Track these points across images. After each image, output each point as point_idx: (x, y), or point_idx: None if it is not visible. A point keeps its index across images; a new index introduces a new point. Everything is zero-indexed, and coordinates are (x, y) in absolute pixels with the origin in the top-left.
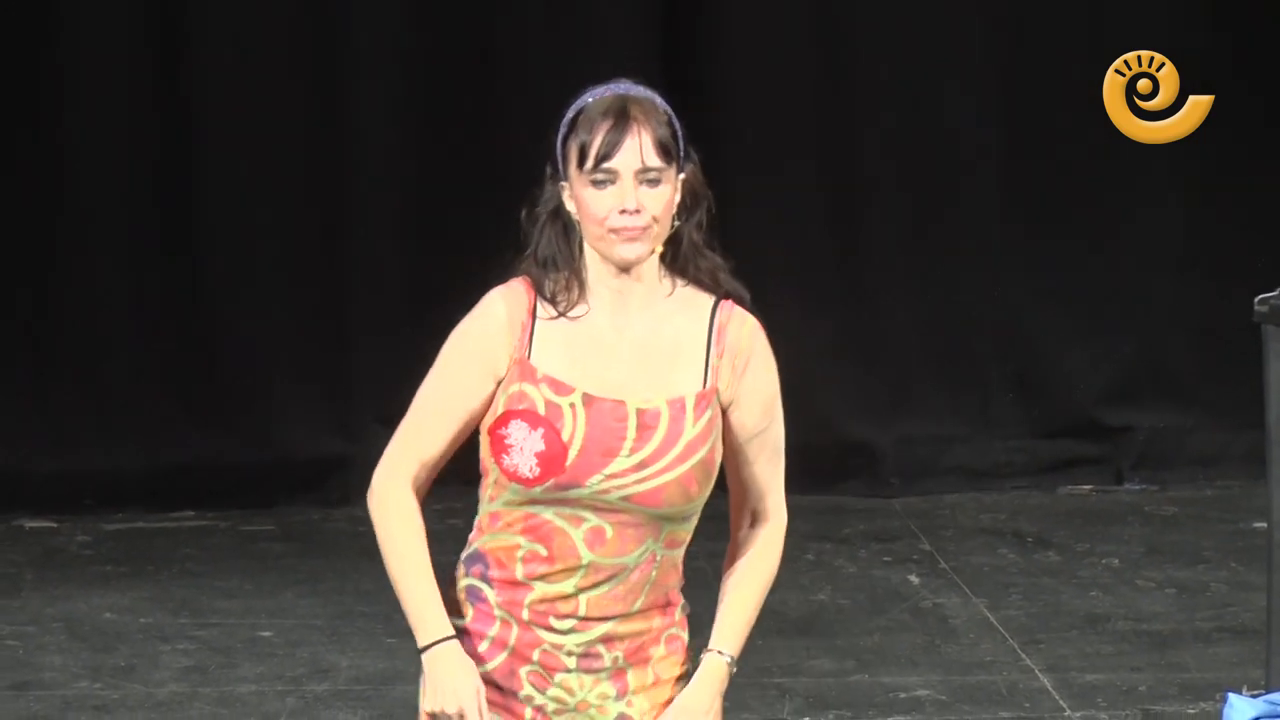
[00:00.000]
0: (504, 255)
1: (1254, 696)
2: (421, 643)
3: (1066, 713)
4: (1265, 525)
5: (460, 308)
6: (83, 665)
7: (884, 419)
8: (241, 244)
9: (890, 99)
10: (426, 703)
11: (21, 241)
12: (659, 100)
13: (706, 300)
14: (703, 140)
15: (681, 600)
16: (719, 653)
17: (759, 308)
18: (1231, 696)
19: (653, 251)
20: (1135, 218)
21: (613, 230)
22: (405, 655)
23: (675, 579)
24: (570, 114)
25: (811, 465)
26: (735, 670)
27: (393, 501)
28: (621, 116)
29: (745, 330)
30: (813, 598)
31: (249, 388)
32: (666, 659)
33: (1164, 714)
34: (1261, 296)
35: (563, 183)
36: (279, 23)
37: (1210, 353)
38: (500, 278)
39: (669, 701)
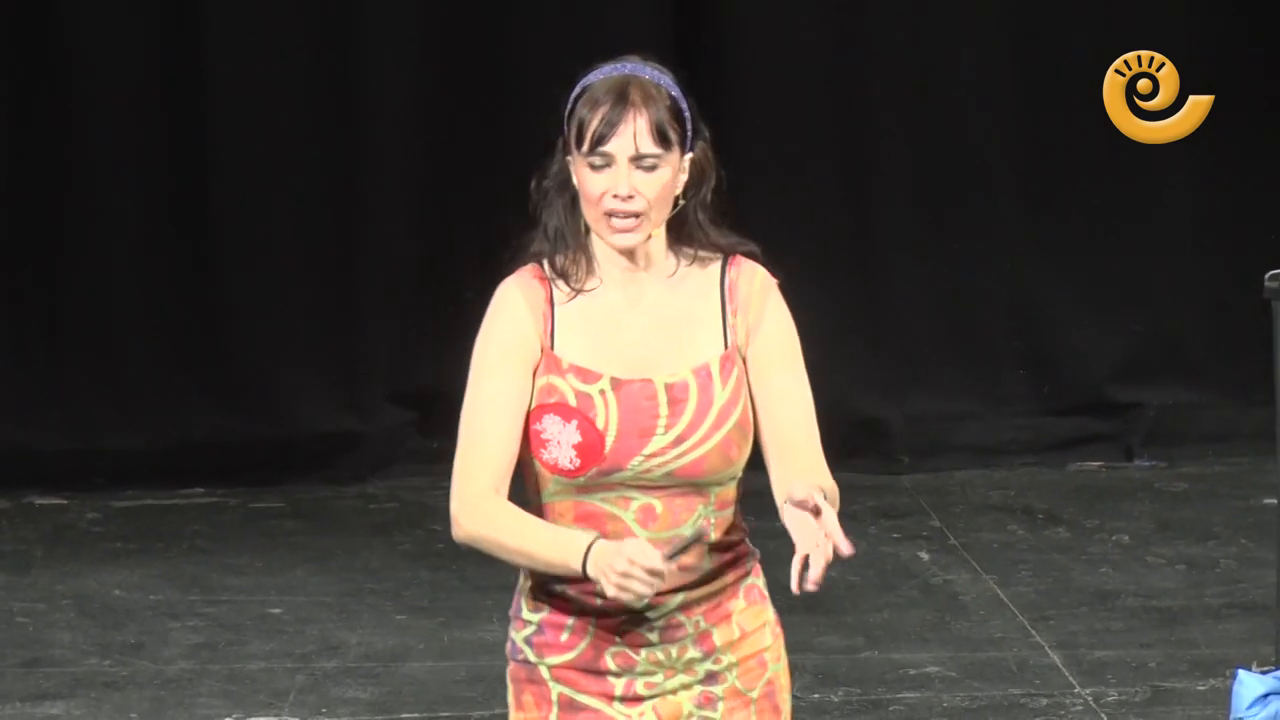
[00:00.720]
0: (516, 226)
1: (1264, 673)
2: (578, 562)
3: (1076, 689)
4: (1275, 501)
5: (468, 284)
6: (92, 642)
7: (894, 395)
8: (252, 222)
9: (903, 78)
10: (608, 586)
11: (32, 221)
12: (665, 80)
13: (716, 262)
14: (715, 118)
15: (750, 548)
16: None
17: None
18: (1241, 673)
19: (649, 237)
20: (1146, 195)
21: (607, 213)
22: (415, 632)
23: (738, 533)
24: (577, 89)
25: (821, 441)
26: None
27: (481, 509)
28: (620, 99)
29: (756, 283)
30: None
31: (259, 365)
32: (748, 610)
33: (1173, 690)
34: (1272, 273)
35: (569, 157)
36: (291, 8)
37: (1220, 329)
38: (513, 251)
39: (757, 654)
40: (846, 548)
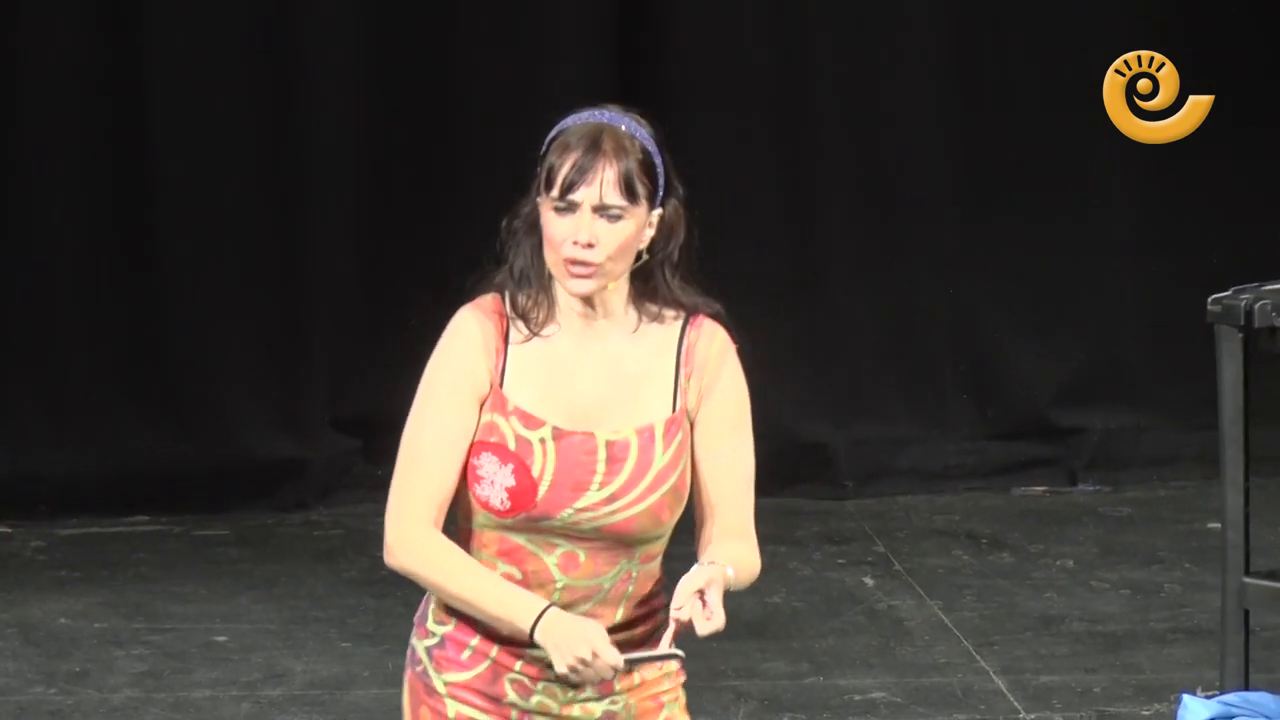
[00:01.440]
0: (482, 262)
1: (1208, 697)
2: (528, 624)
3: (1021, 714)
4: (1219, 526)
5: (413, 310)
6: (37, 671)
7: (837, 420)
8: (196, 247)
9: (844, 98)
10: (560, 662)
11: None
12: (641, 133)
13: (677, 320)
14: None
15: (665, 602)
16: (711, 563)
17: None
18: (1186, 698)
19: (604, 288)
20: (1088, 218)
21: (566, 260)
22: (360, 660)
23: (655, 585)
24: (553, 132)
25: (765, 467)
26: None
27: (420, 543)
28: (592, 147)
29: (715, 347)
30: (767, 600)
31: (203, 392)
32: (650, 665)
33: (1119, 715)
34: (1214, 297)
35: (539, 198)
36: (234, 22)
37: (1163, 354)
38: (476, 286)
39: (654, 695)
40: (701, 628)
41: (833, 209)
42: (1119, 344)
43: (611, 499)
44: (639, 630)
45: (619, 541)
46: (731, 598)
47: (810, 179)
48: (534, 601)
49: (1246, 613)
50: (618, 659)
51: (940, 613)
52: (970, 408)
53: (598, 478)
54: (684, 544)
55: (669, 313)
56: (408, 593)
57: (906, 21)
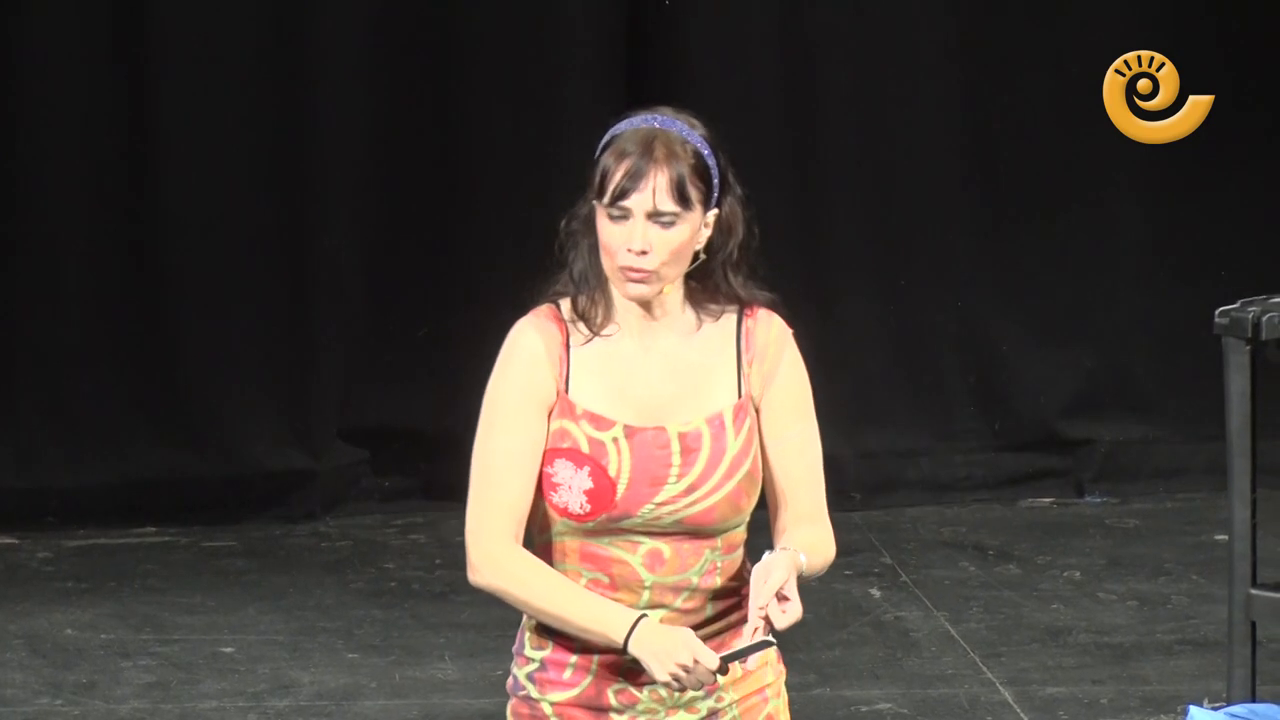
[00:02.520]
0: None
1: (1215, 709)
2: (621, 636)
3: None
4: (1226, 537)
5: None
6: (44, 682)
7: (846, 432)
8: (203, 260)
9: (854, 109)
10: (660, 672)
11: None
12: (694, 136)
13: (732, 313)
14: None
15: (748, 591)
16: (784, 549)
17: None
18: (1193, 709)
19: (660, 291)
20: (1097, 230)
21: (621, 267)
22: (367, 671)
23: (742, 572)
24: (606, 137)
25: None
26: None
27: (505, 560)
28: (645, 153)
29: (773, 332)
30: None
31: (211, 404)
32: None
33: None
34: (1222, 309)
35: (596, 201)
36: (243, 33)
37: (1171, 365)
38: (534, 290)
39: (759, 690)
40: (779, 622)
41: (841, 220)
42: (1127, 356)
43: (690, 489)
44: (733, 617)
45: (700, 532)
46: None
47: (819, 190)
48: (625, 614)
49: (1253, 624)
50: (715, 660)
51: (947, 624)
52: (978, 419)
53: (674, 470)
54: (765, 535)
55: (726, 307)
56: (415, 604)
57: (915, 32)
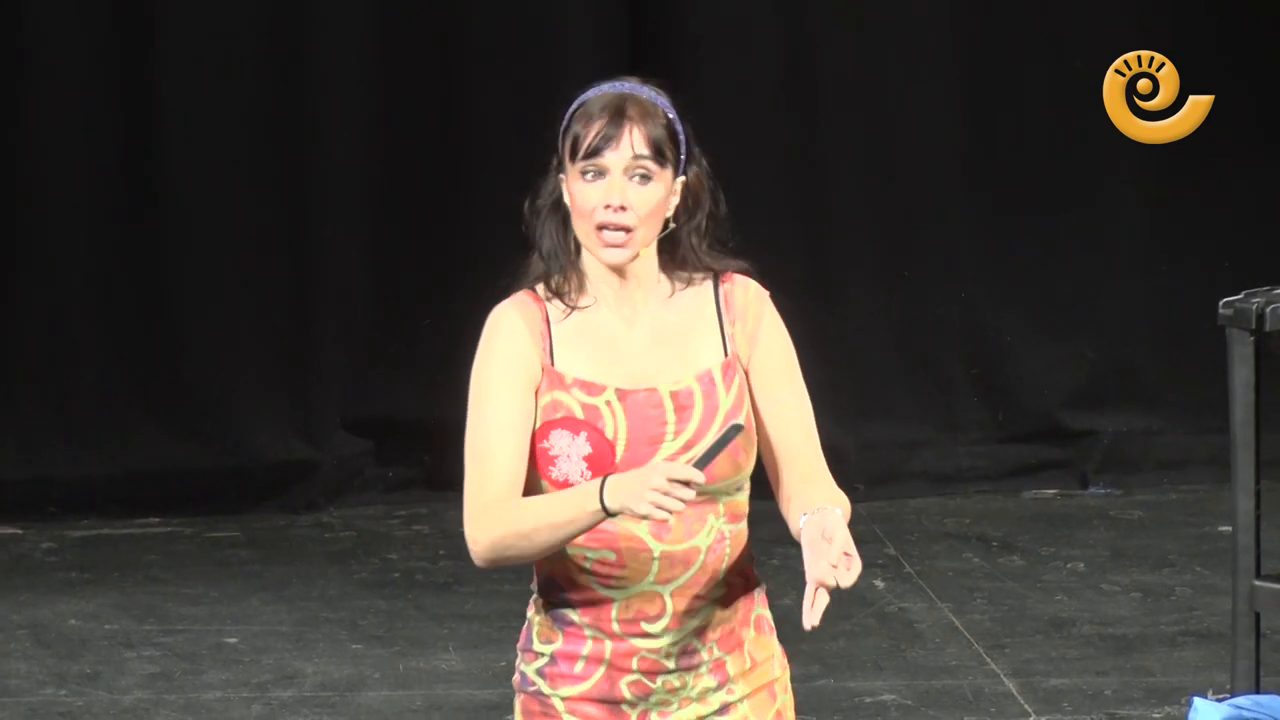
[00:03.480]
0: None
1: (1219, 700)
2: (596, 499)
3: (1031, 717)
4: (1230, 529)
5: (424, 312)
6: (48, 672)
7: (849, 423)
8: (205, 250)
9: (856, 101)
10: (641, 506)
11: None
12: (661, 100)
13: (708, 280)
14: None
15: (758, 578)
16: (820, 509)
17: None
18: (1197, 700)
19: (636, 256)
20: (1100, 221)
21: (599, 226)
22: (371, 662)
23: (747, 556)
24: (572, 107)
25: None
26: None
27: (492, 515)
28: (618, 113)
29: (751, 294)
30: (778, 602)
31: (214, 394)
32: (757, 640)
33: (1129, 718)
34: (1226, 300)
35: (561, 175)
36: (245, 27)
37: (1174, 356)
38: (509, 278)
39: (768, 684)
40: (846, 580)
41: (844, 211)
42: (1130, 347)
43: (688, 446)
44: (740, 605)
45: (702, 493)
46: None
47: (821, 182)
48: (593, 482)
49: (1257, 616)
50: (691, 472)
51: (951, 615)
52: (981, 411)
53: (670, 428)
54: (768, 525)
55: (698, 275)
56: (419, 595)
57: (918, 24)
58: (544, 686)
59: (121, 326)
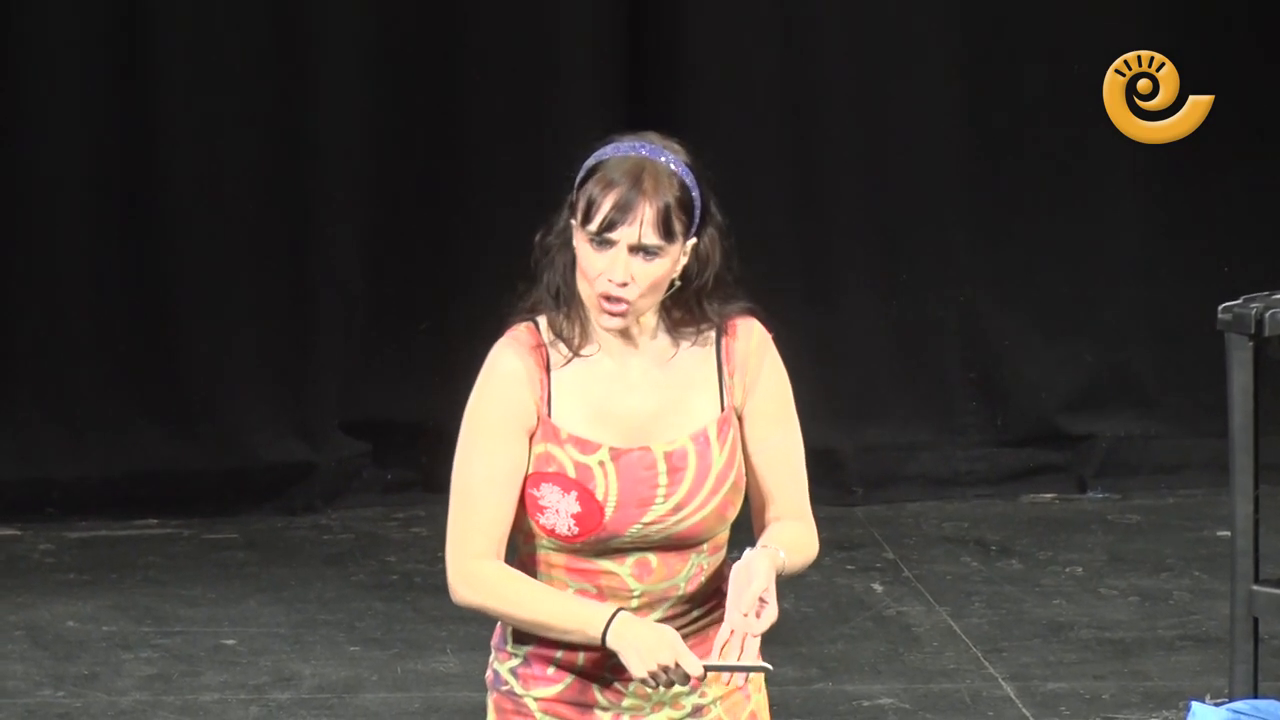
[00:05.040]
0: (466, 242)
1: (1217, 704)
2: (599, 629)
3: None
4: (1228, 533)
5: (421, 315)
6: (45, 673)
7: (847, 427)
8: (203, 252)
9: (855, 104)
10: (640, 668)
11: None
12: (679, 166)
13: (710, 328)
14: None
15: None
16: (764, 546)
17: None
18: (1195, 705)
19: (635, 321)
20: (1098, 226)
21: (600, 294)
22: (368, 664)
23: (723, 573)
24: (591, 161)
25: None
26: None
27: (481, 575)
28: (634, 185)
29: (753, 342)
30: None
31: (211, 395)
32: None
33: None
34: (1224, 305)
35: (574, 221)
36: (244, 30)
37: (1173, 361)
38: (513, 307)
39: (742, 687)
40: (755, 628)
41: (843, 215)
42: (1129, 351)
43: (678, 508)
44: (716, 615)
45: (687, 543)
46: None
47: (820, 185)
48: (602, 609)
49: (1255, 620)
50: (698, 667)
51: (949, 619)
52: (980, 415)
53: (661, 490)
54: (747, 532)
55: (704, 325)
56: (416, 597)
57: (917, 28)
58: (516, 686)
59: (120, 328)
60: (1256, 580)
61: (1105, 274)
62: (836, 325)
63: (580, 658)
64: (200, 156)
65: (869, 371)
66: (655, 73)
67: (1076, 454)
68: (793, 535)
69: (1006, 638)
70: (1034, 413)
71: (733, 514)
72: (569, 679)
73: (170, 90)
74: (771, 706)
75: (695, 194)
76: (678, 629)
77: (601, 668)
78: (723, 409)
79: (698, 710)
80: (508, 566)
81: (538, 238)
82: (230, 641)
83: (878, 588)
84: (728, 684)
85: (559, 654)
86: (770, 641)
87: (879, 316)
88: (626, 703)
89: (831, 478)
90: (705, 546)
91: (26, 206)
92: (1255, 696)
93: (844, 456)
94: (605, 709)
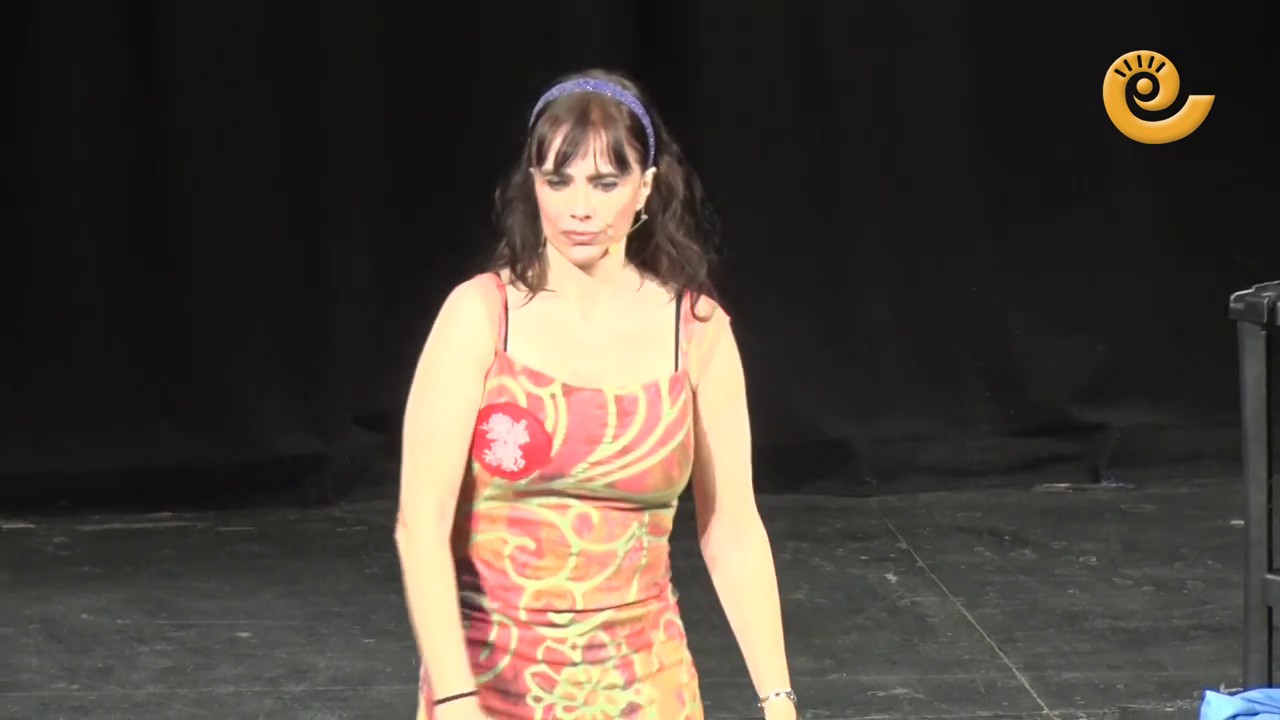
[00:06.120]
0: (479, 231)
1: (1231, 694)
2: (439, 694)
3: (1044, 711)
4: (1242, 522)
5: (436, 307)
6: (60, 666)
7: (860, 417)
8: (216, 245)
9: (869, 96)
10: None
11: None
12: (628, 96)
13: (673, 289)
14: (680, 138)
15: (672, 586)
16: (779, 694)
17: (737, 304)
18: (1209, 694)
19: (606, 252)
20: (1111, 215)
21: (564, 231)
22: (383, 656)
23: (664, 569)
24: (540, 104)
25: (788, 463)
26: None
27: (424, 547)
28: (581, 119)
29: (713, 320)
30: (790, 596)
31: (225, 388)
32: (667, 643)
33: (1142, 712)
34: (1237, 294)
35: (531, 168)
36: (255, 26)
37: (1186, 350)
38: (478, 262)
39: (676, 689)
40: None
41: (856, 207)
42: (1142, 341)
43: (624, 451)
44: (652, 608)
45: (630, 500)
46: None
47: (833, 177)
48: (462, 679)
49: (1269, 609)
50: None
51: (963, 609)
52: (993, 405)
53: (610, 430)
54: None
55: (667, 280)
56: None
57: (932, 22)
58: None
59: (133, 321)
60: (1270, 569)
61: (1117, 264)
62: (849, 316)
63: (512, 641)
64: (214, 153)
65: (882, 362)
66: (667, 66)
67: (1090, 444)
68: (778, 625)
69: (1021, 628)
70: (1047, 403)
71: (679, 477)
72: (502, 664)
73: (184, 90)
74: None
75: (647, 122)
76: (608, 608)
77: (535, 651)
78: (676, 369)
79: (631, 709)
80: (446, 558)
81: (497, 193)
82: (245, 634)
83: (892, 578)
84: (674, 654)
85: (491, 636)
86: (785, 632)
87: (892, 308)
88: (558, 690)
89: (845, 469)
90: (647, 518)
91: (40, 204)
92: (1269, 685)
93: (857, 447)
94: (537, 698)
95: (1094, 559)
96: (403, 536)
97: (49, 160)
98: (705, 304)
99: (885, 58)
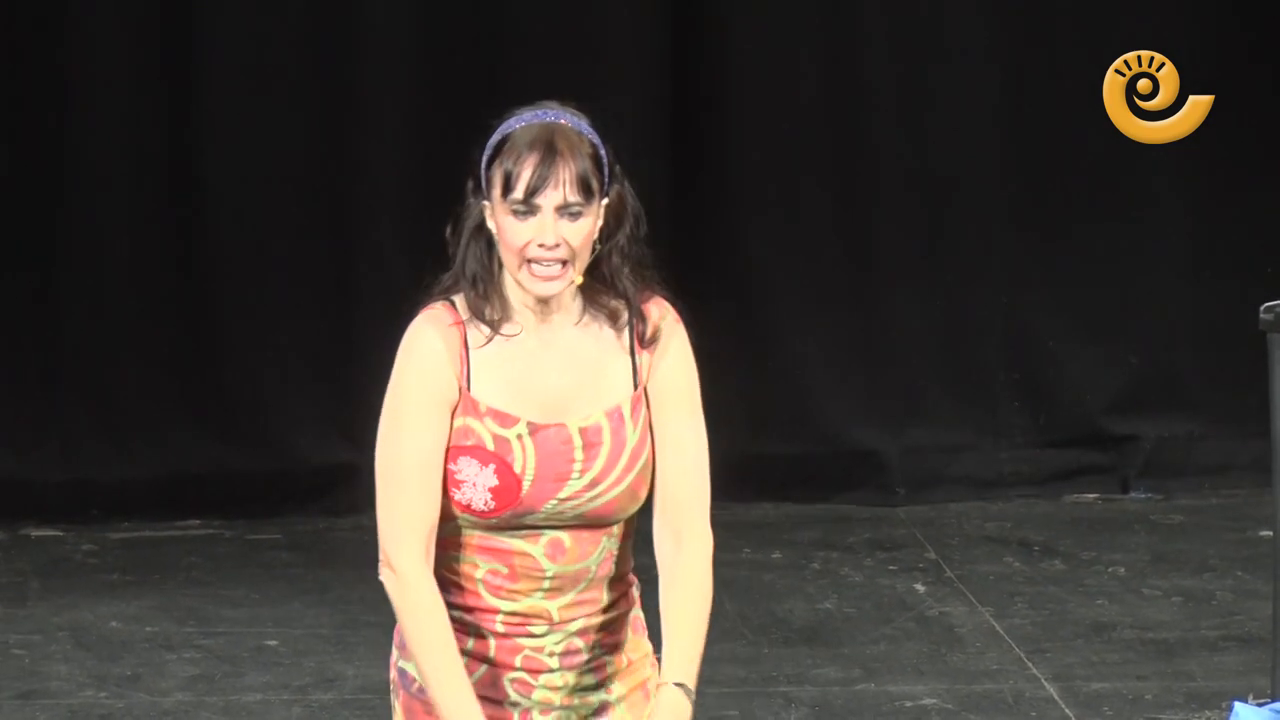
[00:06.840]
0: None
1: (1260, 705)
2: None
3: None
4: (1271, 534)
5: None
6: (88, 674)
7: (890, 427)
8: (248, 253)
9: (899, 105)
10: None
11: (27, 249)
12: (585, 128)
13: (625, 305)
14: (712, 147)
15: (634, 579)
16: (677, 685)
17: (769, 312)
18: (1238, 705)
19: (571, 283)
20: (1142, 226)
21: (530, 260)
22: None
23: (630, 563)
24: (497, 138)
25: (817, 473)
26: (694, 704)
27: (416, 591)
28: (549, 150)
29: (665, 320)
30: (818, 606)
31: (255, 396)
32: (632, 640)
33: None
34: (1268, 305)
35: (485, 202)
36: (287, 34)
37: (1216, 361)
38: (428, 294)
39: (642, 684)
40: None
41: (886, 217)
42: (1172, 352)
43: (593, 484)
44: (622, 607)
45: (600, 523)
46: (784, 604)
47: (864, 187)
48: (474, 718)
49: None
50: None
51: (992, 619)
52: (1023, 415)
53: (577, 465)
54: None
55: (618, 301)
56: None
57: (959, 30)
58: None
59: (163, 329)
60: None
61: (1149, 275)
62: (880, 326)
63: (491, 650)
64: (244, 159)
65: (913, 372)
66: (699, 74)
67: (1120, 454)
68: (700, 626)
69: (1049, 638)
70: (1077, 413)
71: (645, 493)
72: (480, 672)
73: (213, 91)
74: (815, 707)
75: (603, 152)
76: (586, 617)
77: (513, 658)
78: (636, 387)
79: (604, 706)
80: (438, 595)
81: (448, 229)
82: (273, 642)
83: (920, 588)
84: (639, 650)
85: (470, 643)
86: (813, 642)
87: (923, 317)
88: (537, 695)
89: (875, 479)
90: (616, 529)
91: (69, 209)
92: None
93: (886, 457)
94: (516, 705)
95: (1123, 570)
96: (390, 581)
97: (77, 171)
98: (658, 308)
99: (918, 66)
